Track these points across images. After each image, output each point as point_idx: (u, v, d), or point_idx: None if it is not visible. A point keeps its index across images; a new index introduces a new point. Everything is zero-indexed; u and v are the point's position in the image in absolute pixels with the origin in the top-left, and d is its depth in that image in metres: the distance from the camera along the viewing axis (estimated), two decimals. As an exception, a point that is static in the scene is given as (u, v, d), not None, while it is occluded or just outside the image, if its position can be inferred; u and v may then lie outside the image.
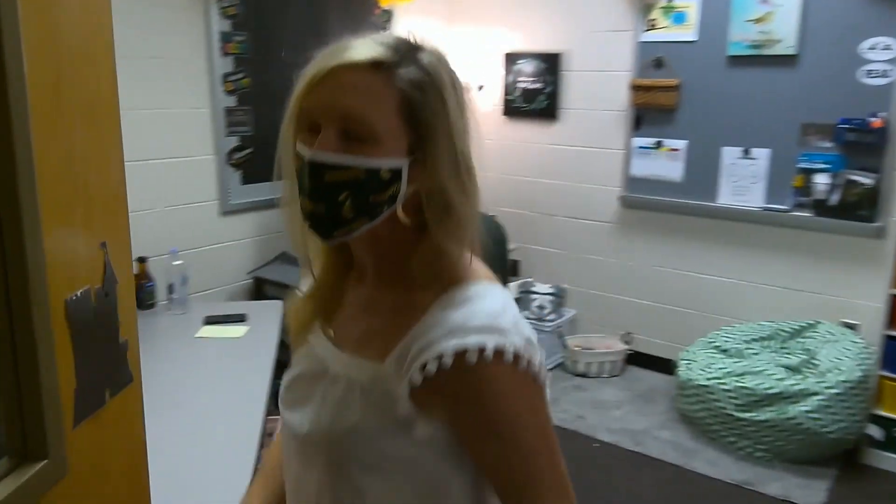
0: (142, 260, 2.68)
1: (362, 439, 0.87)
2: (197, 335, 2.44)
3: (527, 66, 4.15)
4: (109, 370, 0.95)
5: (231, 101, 3.20)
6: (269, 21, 3.30)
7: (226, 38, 3.17)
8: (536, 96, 4.15)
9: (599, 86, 3.94)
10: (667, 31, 3.65)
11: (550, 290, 4.13)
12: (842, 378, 2.99)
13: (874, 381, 3.09)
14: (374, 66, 0.81)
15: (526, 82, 4.17)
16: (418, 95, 0.82)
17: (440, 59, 0.86)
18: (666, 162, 3.78)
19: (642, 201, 3.89)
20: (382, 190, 0.84)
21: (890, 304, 3.06)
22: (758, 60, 3.43)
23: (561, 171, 4.16)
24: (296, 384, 0.98)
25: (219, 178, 3.20)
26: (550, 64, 4.06)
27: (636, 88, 3.75)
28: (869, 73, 3.19)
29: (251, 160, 3.28)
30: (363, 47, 0.82)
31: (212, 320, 2.51)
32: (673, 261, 3.89)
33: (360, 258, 0.95)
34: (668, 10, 3.63)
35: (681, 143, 3.72)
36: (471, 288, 0.87)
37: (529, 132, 4.24)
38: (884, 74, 3.16)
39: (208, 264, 3.13)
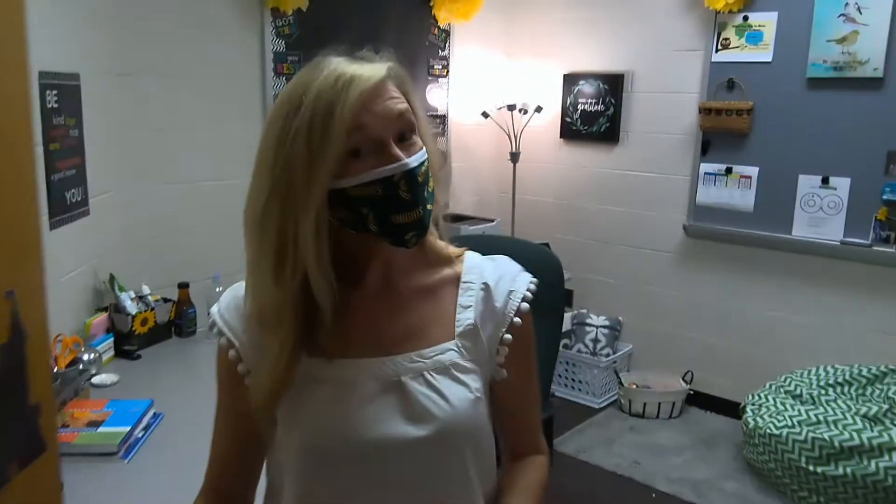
0: (183, 286, 2.61)
1: (481, 406, 0.95)
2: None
3: (587, 88, 3.98)
4: (15, 441, 0.83)
5: (282, 123, 3.14)
6: (322, 41, 3.22)
7: (279, 58, 3.11)
8: (597, 118, 3.97)
9: (665, 108, 3.75)
10: (740, 52, 3.44)
11: (606, 323, 3.93)
12: (931, 434, 2.73)
13: (969, 439, 2.80)
14: (389, 71, 0.90)
15: (586, 104, 4.00)
16: (407, 83, 0.93)
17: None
18: (736, 190, 3.55)
19: (709, 231, 3.67)
20: (431, 173, 0.92)
21: None
22: (840, 83, 3.20)
23: (621, 198, 3.97)
24: (353, 412, 0.91)
25: (265, 201, 3.13)
26: (612, 85, 3.89)
27: (705, 111, 3.54)
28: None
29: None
30: (374, 63, 0.91)
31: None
32: (741, 296, 3.64)
33: (365, 259, 0.95)
34: (742, 28, 3.42)
35: (752, 170, 3.49)
36: (467, 251, 1.04)
37: (588, 156, 4.06)
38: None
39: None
